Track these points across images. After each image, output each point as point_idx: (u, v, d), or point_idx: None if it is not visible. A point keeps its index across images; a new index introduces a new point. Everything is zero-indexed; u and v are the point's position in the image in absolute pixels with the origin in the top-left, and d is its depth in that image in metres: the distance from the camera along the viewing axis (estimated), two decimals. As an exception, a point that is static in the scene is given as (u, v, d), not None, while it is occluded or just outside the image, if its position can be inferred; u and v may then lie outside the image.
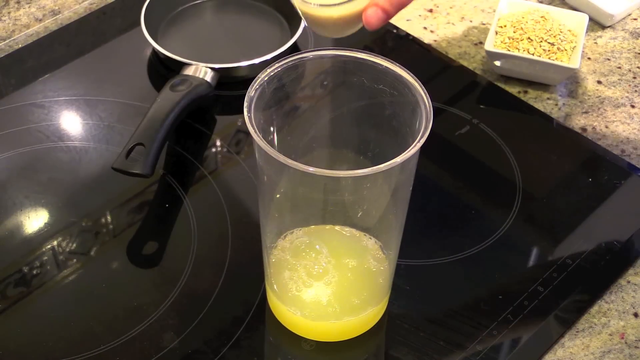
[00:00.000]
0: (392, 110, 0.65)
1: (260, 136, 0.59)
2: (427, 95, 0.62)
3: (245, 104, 0.61)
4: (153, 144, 0.78)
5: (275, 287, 0.69)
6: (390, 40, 1.00)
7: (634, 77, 0.95)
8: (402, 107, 0.64)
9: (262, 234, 0.68)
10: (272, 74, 0.63)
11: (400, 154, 0.58)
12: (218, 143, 0.88)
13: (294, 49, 0.92)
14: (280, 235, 0.69)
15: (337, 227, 0.70)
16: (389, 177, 0.62)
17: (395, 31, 1.00)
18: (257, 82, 0.63)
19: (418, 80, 0.63)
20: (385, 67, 0.64)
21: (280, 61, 0.64)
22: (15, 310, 0.73)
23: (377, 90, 0.65)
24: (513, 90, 0.93)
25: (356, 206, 0.68)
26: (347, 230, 0.70)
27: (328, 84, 0.69)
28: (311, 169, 0.57)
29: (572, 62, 0.91)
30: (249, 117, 0.60)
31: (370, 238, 0.70)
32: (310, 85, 0.68)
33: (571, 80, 0.94)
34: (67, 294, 0.75)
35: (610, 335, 0.73)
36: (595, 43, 0.99)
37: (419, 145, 0.59)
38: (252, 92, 0.62)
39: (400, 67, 0.64)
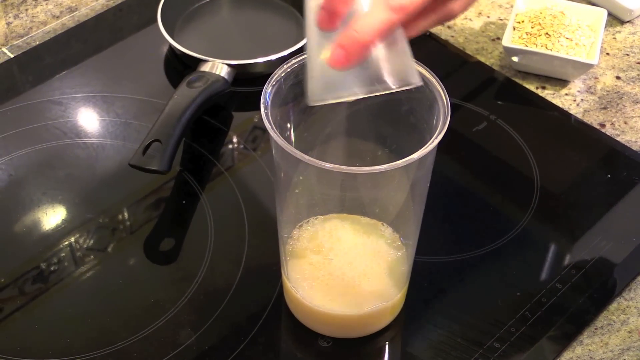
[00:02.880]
0: (410, 106, 0.65)
1: (277, 132, 0.59)
2: (445, 91, 0.61)
3: (262, 100, 0.61)
4: (170, 140, 0.78)
5: (291, 279, 0.69)
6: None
7: (653, 73, 0.95)
8: (420, 103, 0.63)
9: (279, 226, 0.68)
10: (288, 70, 0.63)
11: (418, 150, 0.58)
12: (235, 139, 0.88)
13: (311, 45, 0.92)
14: (296, 225, 0.69)
15: (354, 216, 0.69)
16: (407, 173, 0.62)
17: (412, 27, 0.99)
18: (274, 78, 0.62)
19: (435, 77, 0.62)
20: (403, 63, 0.64)
21: (297, 57, 0.64)
22: (33, 307, 0.74)
23: (394, 87, 0.65)
24: (531, 86, 0.93)
25: (373, 202, 0.68)
26: (364, 219, 0.69)
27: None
28: (328, 166, 0.57)
29: (591, 57, 0.90)
30: (266, 114, 0.60)
31: (388, 227, 0.69)
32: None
33: (589, 76, 0.94)
34: (84, 290, 0.75)
35: (629, 332, 0.72)
36: (614, 38, 0.98)
37: (437, 141, 0.58)
38: (268, 88, 0.62)
39: (418, 63, 0.64)
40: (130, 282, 0.76)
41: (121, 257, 0.78)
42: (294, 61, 0.64)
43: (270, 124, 0.59)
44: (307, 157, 0.57)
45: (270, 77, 0.62)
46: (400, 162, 0.57)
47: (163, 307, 0.73)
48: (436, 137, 0.58)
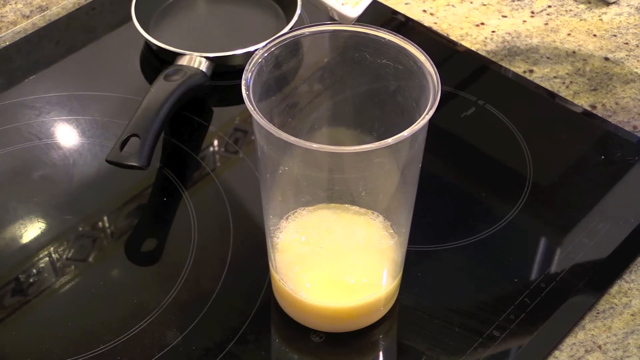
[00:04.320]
0: (398, 84, 0.62)
1: (261, 114, 0.56)
2: (433, 65, 0.59)
3: (243, 82, 0.58)
4: (148, 134, 0.75)
5: (280, 272, 0.66)
6: (390, 27, 0.97)
7: (642, 53, 0.93)
8: (408, 81, 0.61)
9: (265, 217, 0.65)
10: (270, 51, 0.61)
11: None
12: (215, 134, 0.85)
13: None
14: (283, 216, 0.66)
15: (343, 205, 0.67)
16: (397, 153, 0.59)
17: (395, 16, 0.97)
18: (255, 58, 0.60)
19: (422, 51, 0.60)
20: (388, 40, 0.62)
21: (277, 39, 0.61)
22: (12, 313, 0.70)
23: (380, 65, 0.62)
24: (518, 70, 0.90)
25: (363, 186, 0.65)
26: (353, 208, 0.67)
27: (328, 61, 0.66)
28: (315, 146, 0.54)
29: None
30: (247, 95, 0.57)
31: (379, 215, 0.67)
32: (310, 63, 0.65)
33: (578, 58, 0.92)
34: (65, 293, 0.72)
35: (632, 315, 0.70)
36: (601, 20, 0.96)
37: (428, 117, 0.56)
38: (249, 68, 0.59)
39: (403, 39, 0.61)
40: (112, 284, 0.73)
41: (102, 259, 0.75)
42: (274, 42, 0.61)
43: (253, 106, 0.56)
44: (292, 138, 0.55)
45: (252, 57, 0.60)
46: (390, 140, 0.55)
47: (147, 308, 0.69)
48: (427, 113, 0.56)
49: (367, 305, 0.67)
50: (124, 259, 0.75)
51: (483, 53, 0.92)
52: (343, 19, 0.66)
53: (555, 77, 0.90)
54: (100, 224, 0.77)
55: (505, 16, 0.97)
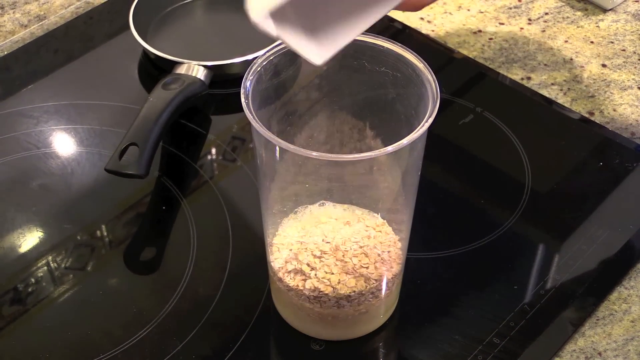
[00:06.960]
0: (396, 92, 0.63)
1: (260, 123, 0.56)
2: (432, 72, 0.59)
3: (242, 90, 0.58)
4: (147, 143, 0.75)
5: (279, 279, 0.66)
6: (388, 34, 0.97)
7: (640, 59, 0.93)
8: (406, 88, 0.61)
9: (264, 224, 0.65)
10: (268, 59, 0.61)
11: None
12: (213, 142, 0.85)
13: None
14: (282, 223, 0.66)
15: (343, 205, 0.66)
16: (397, 160, 0.59)
17: (392, 24, 0.97)
18: (254, 67, 0.60)
19: (420, 59, 0.60)
20: (387, 48, 0.62)
21: (275, 47, 0.62)
22: (11, 322, 0.70)
23: (379, 73, 0.63)
24: (516, 77, 0.90)
25: (363, 195, 0.65)
26: (354, 211, 0.66)
27: (327, 69, 0.66)
28: (314, 154, 0.54)
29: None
30: (246, 103, 0.57)
31: (379, 218, 0.66)
32: (309, 71, 0.65)
33: (575, 65, 0.92)
34: (64, 302, 0.72)
35: (632, 322, 0.70)
36: (598, 27, 0.97)
37: (428, 124, 0.56)
38: (248, 76, 0.59)
39: (402, 47, 0.62)
40: (111, 293, 0.72)
41: (101, 268, 0.75)
42: (273, 51, 0.61)
43: (252, 114, 0.56)
44: (292, 146, 0.55)
45: (250, 65, 0.60)
46: (389, 148, 0.55)
47: (146, 317, 0.69)
48: (426, 121, 0.56)
49: (366, 312, 0.67)
50: (122, 267, 0.75)
51: (480, 60, 0.92)
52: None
53: (552, 84, 0.90)
54: (98, 232, 0.77)
55: (503, 23, 0.97)
